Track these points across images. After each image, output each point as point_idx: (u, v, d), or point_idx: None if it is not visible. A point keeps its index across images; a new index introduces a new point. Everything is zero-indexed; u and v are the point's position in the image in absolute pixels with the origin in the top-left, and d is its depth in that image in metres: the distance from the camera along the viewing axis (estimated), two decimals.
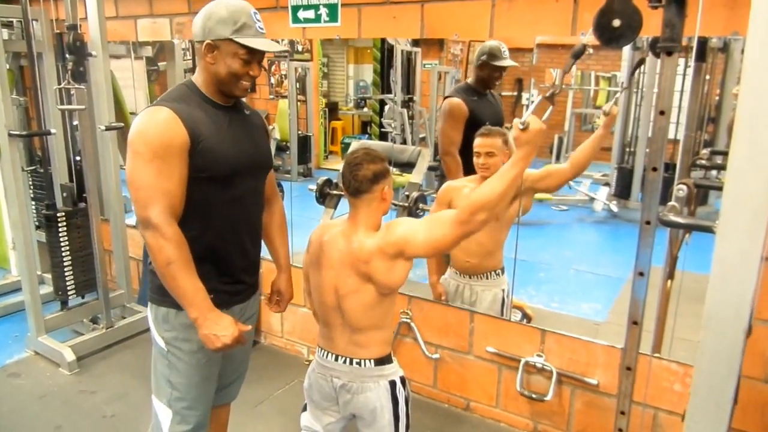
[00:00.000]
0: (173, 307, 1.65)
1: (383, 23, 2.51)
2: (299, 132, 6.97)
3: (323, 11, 2.62)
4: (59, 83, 3.03)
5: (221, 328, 1.56)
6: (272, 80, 7.87)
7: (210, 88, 1.67)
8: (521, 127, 1.53)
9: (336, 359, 1.83)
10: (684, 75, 2.37)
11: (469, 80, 3.06)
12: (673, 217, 1.36)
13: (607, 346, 2.29)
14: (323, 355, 1.87)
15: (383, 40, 5.93)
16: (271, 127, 6.33)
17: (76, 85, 2.85)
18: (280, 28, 2.80)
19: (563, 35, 2.09)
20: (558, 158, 6.36)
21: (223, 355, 1.80)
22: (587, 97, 6.80)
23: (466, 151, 2.94)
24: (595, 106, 6.76)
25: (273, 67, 7.67)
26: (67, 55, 2.82)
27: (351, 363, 1.81)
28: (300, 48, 7.78)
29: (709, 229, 1.27)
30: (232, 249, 1.74)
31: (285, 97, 7.41)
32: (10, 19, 3.43)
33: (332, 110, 8.69)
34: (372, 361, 1.81)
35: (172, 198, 1.54)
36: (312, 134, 7.28)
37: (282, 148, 6.90)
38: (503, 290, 2.67)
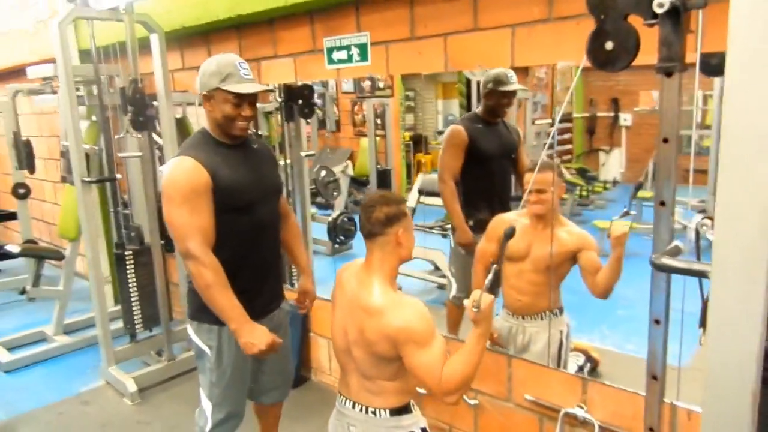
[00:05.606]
0: (215, 323, 1.98)
1: (409, 59, 2.49)
2: (378, 166, 7.05)
3: (354, 51, 2.66)
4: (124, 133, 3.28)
5: (256, 336, 1.88)
6: (355, 119, 8.09)
7: (216, 132, 1.94)
8: (475, 310, 1.54)
9: (353, 406, 1.77)
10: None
11: (478, 110, 2.94)
12: (665, 261, 1.19)
13: None
14: (341, 402, 1.82)
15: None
16: (345, 164, 6.47)
17: (136, 134, 3.08)
18: (317, 69, 2.86)
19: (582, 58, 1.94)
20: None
21: (257, 363, 2.19)
22: None
23: (469, 180, 2.89)
24: None
25: (356, 107, 7.88)
26: (128, 107, 3.07)
27: (366, 411, 1.74)
28: (381, 85, 7.95)
29: (702, 275, 1.10)
30: (257, 267, 2.03)
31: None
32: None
33: (417, 143, 8.71)
34: (387, 410, 1.71)
35: (205, 231, 1.83)
36: (392, 168, 7.32)
37: (362, 183, 7.02)
38: (561, 332, 2.47)
